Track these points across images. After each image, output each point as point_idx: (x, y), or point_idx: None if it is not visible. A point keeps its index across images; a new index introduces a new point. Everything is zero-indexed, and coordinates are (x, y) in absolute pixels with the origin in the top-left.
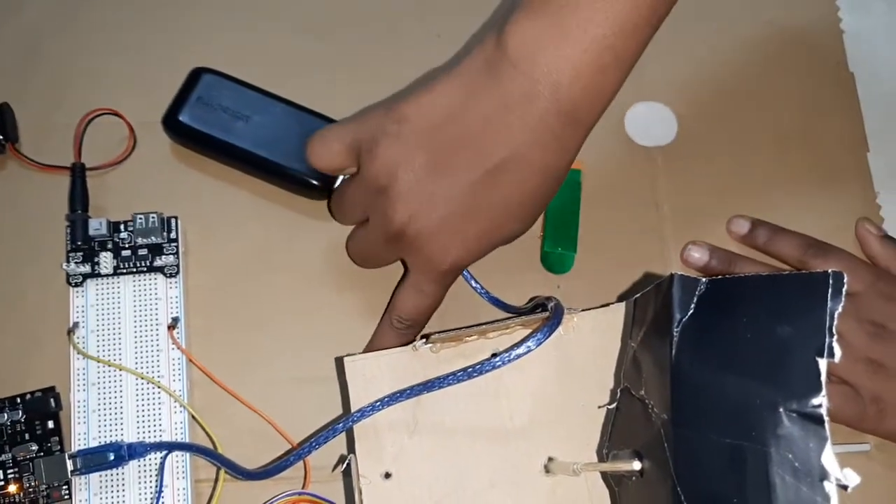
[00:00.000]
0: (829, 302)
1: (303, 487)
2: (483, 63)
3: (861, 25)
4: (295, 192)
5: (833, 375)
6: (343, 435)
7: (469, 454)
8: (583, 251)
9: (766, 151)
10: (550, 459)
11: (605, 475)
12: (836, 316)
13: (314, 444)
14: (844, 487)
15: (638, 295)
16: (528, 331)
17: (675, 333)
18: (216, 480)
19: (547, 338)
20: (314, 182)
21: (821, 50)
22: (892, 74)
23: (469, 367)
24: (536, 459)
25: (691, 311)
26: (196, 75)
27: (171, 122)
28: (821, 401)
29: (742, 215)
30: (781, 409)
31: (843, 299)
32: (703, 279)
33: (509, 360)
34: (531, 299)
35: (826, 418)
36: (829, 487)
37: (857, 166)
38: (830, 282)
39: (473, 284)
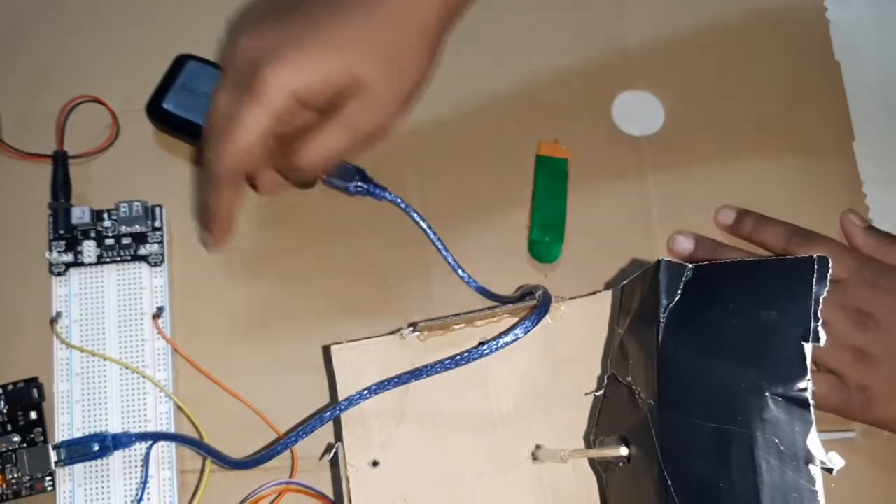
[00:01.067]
0: (814, 287)
1: (290, 477)
2: None
3: (847, 15)
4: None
5: (819, 364)
6: (330, 423)
7: (456, 442)
8: (570, 240)
9: (753, 140)
10: (538, 447)
11: (592, 461)
12: (821, 301)
13: (301, 433)
14: (829, 471)
15: (625, 282)
16: (516, 319)
17: (661, 319)
18: (202, 471)
19: (535, 326)
20: None
21: (807, 39)
22: (878, 63)
23: (456, 355)
24: (524, 447)
25: (678, 297)
26: (180, 62)
27: (155, 110)
28: (806, 385)
29: (728, 205)
30: (767, 394)
31: (828, 284)
32: (690, 265)
33: (497, 349)
34: (518, 288)
35: (811, 402)
36: (815, 471)
37: (843, 155)
38: (815, 267)
39: (461, 274)
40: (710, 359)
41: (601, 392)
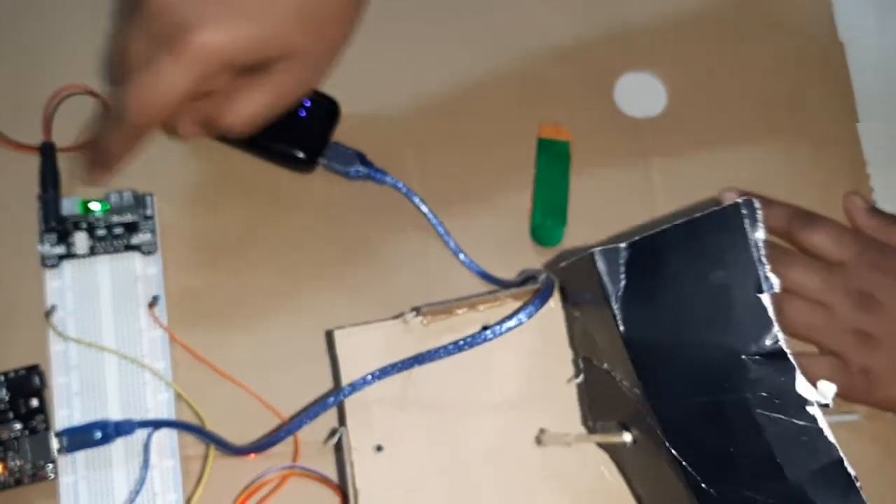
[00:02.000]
0: (748, 233)
1: (293, 461)
2: None
3: None
4: (279, 165)
5: (821, 346)
6: (334, 410)
7: (460, 426)
8: (572, 223)
9: (756, 121)
10: (542, 431)
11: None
12: (761, 245)
13: (305, 418)
14: (826, 406)
15: (562, 266)
16: (519, 303)
17: (615, 309)
18: (206, 458)
19: (538, 310)
20: (299, 155)
21: (811, 19)
22: (883, 44)
23: (460, 340)
24: (528, 432)
25: (623, 282)
26: None
27: None
28: (775, 336)
29: (731, 187)
30: (743, 357)
31: (761, 226)
32: (623, 244)
33: (500, 333)
34: (521, 272)
35: (788, 350)
36: (813, 410)
37: (847, 136)
38: (744, 212)
39: (462, 258)
40: (678, 334)
41: (581, 378)
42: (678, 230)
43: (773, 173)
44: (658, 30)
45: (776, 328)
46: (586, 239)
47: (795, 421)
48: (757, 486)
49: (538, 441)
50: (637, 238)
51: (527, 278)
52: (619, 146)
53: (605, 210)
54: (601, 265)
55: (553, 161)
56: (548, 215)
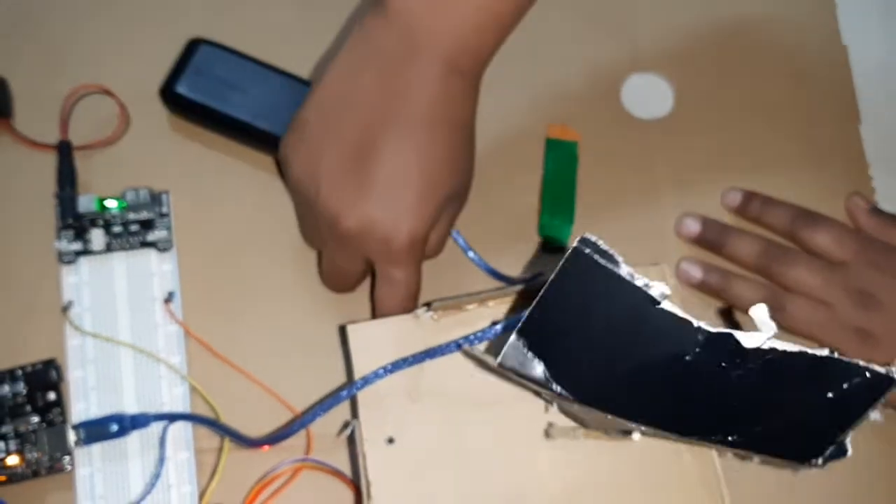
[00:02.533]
0: (610, 268)
1: (306, 454)
2: (365, 37)
3: None
4: None
5: (821, 344)
6: (347, 403)
7: (471, 419)
8: (580, 222)
9: (761, 123)
10: (551, 425)
11: None
12: (628, 272)
13: (319, 410)
14: (774, 334)
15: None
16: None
17: (556, 389)
18: (220, 450)
19: None
20: None
21: (815, 22)
22: (886, 46)
23: (470, 334)
24: (537, 424)
25: (543, 365)
26: (193, 46)
27: (169, 93)
28: (699, 326)
29: (735, 187)
30: (688, 357)
31: (615, 255)
32: (512, 338)
33: (509, 327)
34: (531, 271)
35: (715, 330)
36: (767, 344)
37: (849, 138)
38: (587, 251)
39: (471, 255)
40: (623, 373)
41: (555, 406)
42: (550, 293)
43: (777, 173)
44: (665, 32)
45: (695, 323)
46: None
47: (761, 360)
48: (768, 416)
49: (547, 434)
50: (520, 323)
51: (534, 275)
52: (625, 146)
53: (611, 209)
54: (515, 366)
55: (561, 160)
56: (555, 214)
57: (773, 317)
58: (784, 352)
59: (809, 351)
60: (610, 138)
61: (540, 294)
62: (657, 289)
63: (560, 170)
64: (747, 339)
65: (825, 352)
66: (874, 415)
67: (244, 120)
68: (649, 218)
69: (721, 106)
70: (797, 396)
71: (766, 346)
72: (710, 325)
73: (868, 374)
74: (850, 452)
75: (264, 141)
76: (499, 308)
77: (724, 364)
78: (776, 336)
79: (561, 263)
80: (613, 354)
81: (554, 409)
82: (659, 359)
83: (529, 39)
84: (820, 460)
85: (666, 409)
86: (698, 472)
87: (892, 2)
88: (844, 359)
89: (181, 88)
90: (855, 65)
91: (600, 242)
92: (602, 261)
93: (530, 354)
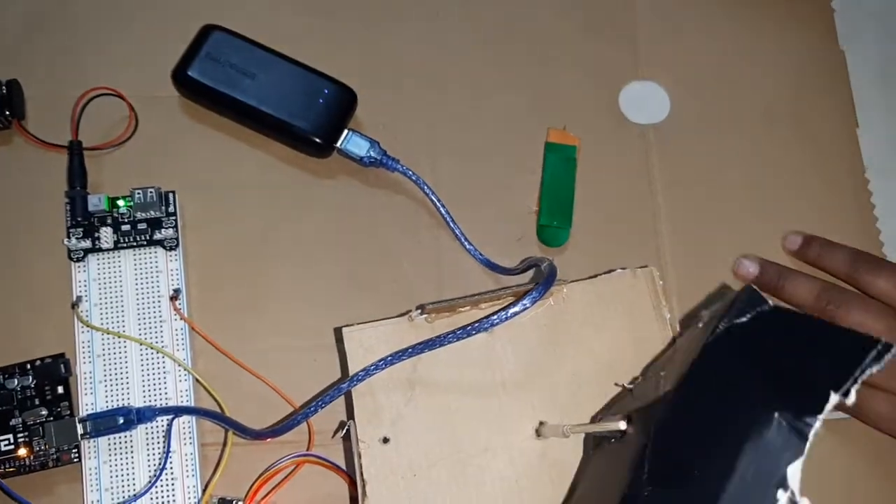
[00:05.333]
0: (864, 363)
1: (307, 449)
2: None
3: (851, 2)
4: (298, 150)
5: (880, 386)
6: (343, 405)
7: (463, 419)
8: (577, 225)
9: (757, 129)
10: (541, 423)
11: (587, 442)
12: (865, 372)
13: (320, 403)
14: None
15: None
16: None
17: (720, 327)
18: (224, 444)
19: (542, 296)
20: (317, 139)
21: (812, 27)
22: (882, 51)
23: (468, 325)
24: (528, 424)
25: (744, 319)
26: (205, 32)
27: (181, 77)
28: (815, 421)
29: (797, 231)
30: (776, 414)
31: (882, 365)
32: (770, 303)
33: (506, 318)
34: (524, 260)
35: (811, 438)
36: (781, 495)
37: (846, 143)
38: (862, 346)
39: (468, 246)
40: (744, 367)
41: (631, 386)
42: (806, 324)
43: (774, 179)
44: (662, 40)
45: (820, 417)
46: (591, 240)
47: (760, 493)
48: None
49: (538, 433)
50: (782, 310)
51: (530, 266)
52: (623, 151)
53: (609, 212)
54: (745, 298)
55: (560, 164)
56: (554, 216)
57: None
58: None
59: None
60: (608, 143)
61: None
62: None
63: (559, 173)
64: None
65: None
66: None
67: (253, 105)
68: (645, 221)
69: (717, 112)
70: None
71: None
72: None
73: None
74: None
75: (273, 127)
76: (492, 310)
77: None
78: None
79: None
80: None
81: (545, 404)
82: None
83: (532, 46)
84: None
85: None
86: None
87: (889, 7)
88: None
89: (193, 72)
90: (852, 70)
91: None
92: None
93: (753, 309)
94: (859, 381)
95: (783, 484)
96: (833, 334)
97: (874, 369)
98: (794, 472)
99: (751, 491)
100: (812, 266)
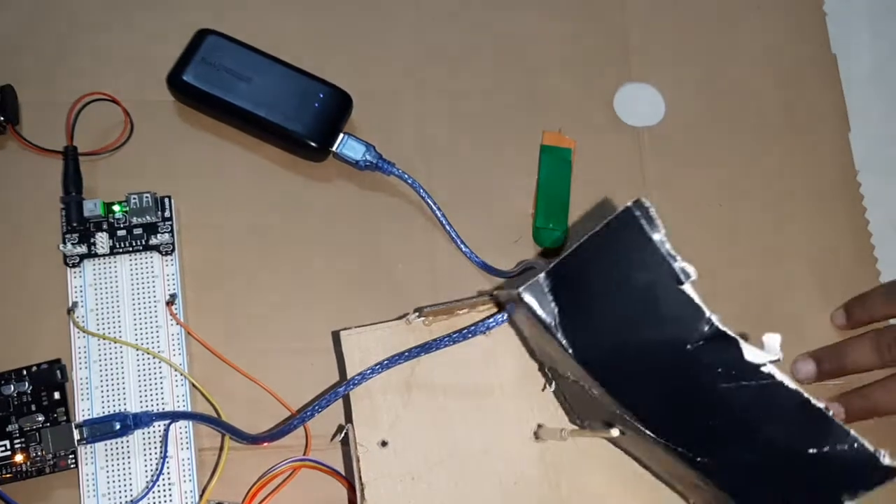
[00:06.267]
0: (648, 233)
1: (304, 454)
2: None
3: (843, 7)
4: (294, 154)
5: None
6: (341, 407)
7: (461, 422)
8: (573, 227)
9: (750, 131)
10: (539, 426)
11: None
12: (664, 241)
13: (316, 407)
14: (778, 360)
15: (499, 298)
16: None
17: (559, 338)
18: (221, 449)
19: None
20: (313, 143)
21: (804, 31)
22: (874, 55)
23: (465, 327)
24: (526, 426)
25: (556, 309)
26: (200, 36)
27: (176, 81)
28: (709, 319)
29: (841, 308)
30: (689, 346)
31: (659, 224)
32: (541, 275)
33: (503, 321)
34: (519, 262)
35: (726, 329)
36: (769, 369)
37: (838, 145)
38: (637, 213)
39: (464, 249)
40: (625, 342)
41: (553, 386)
42: (588, 245)
43: (767, 180)
44: (657, 42)
45: (707, 313)
46: None
47: (755, 383)
48: (746, 447)
49: (536, 436)
50: (553, 264)
51: (525, 269)
52: (618, 153)
53: (604, 214)
54: (532, 302)
55: (555, 166)
56: (550, 218)
57: None
58: (781, 383)
59: (805, 394)
60: (603, 145)
61: (579, 242)
62: (684, 267)
63: (554, 176)
64: (750, 353)
65: (821, 405)
66: None
67: (249, 109)
68: None
69: (711, 114)
70: (780, 436)
71: (765, 370)
72: (722, 321)
73: (855, 446)
74: None
75: (268, 130)
76: (489, 313)
77: (720, 370)
78: (779, 363)
79: (609, 218)
80: (624, 322)
81: (543, 407)
82: (663, 339)
83: (527, 49)
84: None
85: (655, 401)
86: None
87: (880, 11)
88: (835, 420)
89: (188, 77)
90: (844, 73)
91: (652, 209)
92: (646, 225)
93: (550, 297)
94: (673, 254)
95: (756, 366)
96: (608, 241)
97: (656, 235)
98: (750, 352)
99: (752, 391)
100: (865, 326)
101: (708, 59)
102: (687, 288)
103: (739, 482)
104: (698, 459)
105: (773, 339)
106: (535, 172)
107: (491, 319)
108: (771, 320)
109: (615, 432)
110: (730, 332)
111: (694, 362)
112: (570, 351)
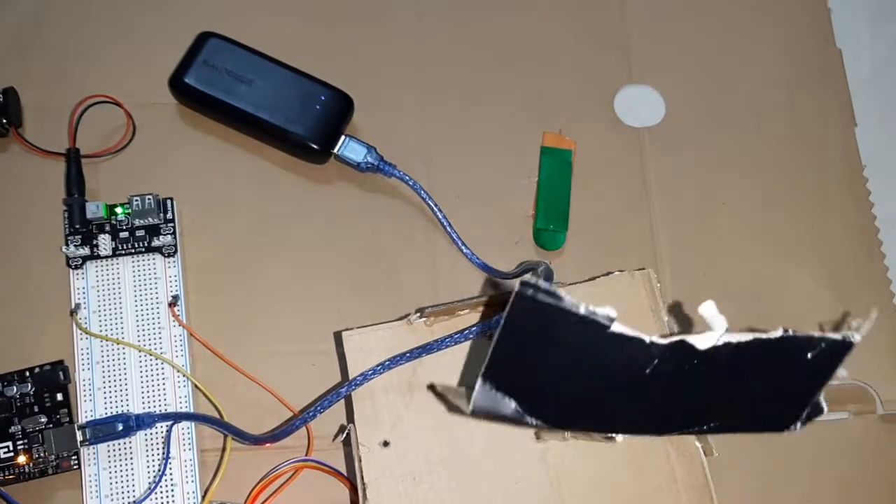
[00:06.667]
0: (556, 304)
1: (306, 454)
2: None
3: (847, 2)
4: (295, 156)
5: None
6: (343, 408)
7: (463, 423)
8: (574, 228)
9: (753, 130)
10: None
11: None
12: (575, 304)
13: (318, 408)
14: (726, 329)
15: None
16: None
17: (529, 421)
18: (223, 450)
19: None
20: (314, 146)
21: (808, 28)
22: (879, 51)
23: (466, 328)
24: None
25: (513, 403)
26: (202, 39)
27: (178, 84)
28: (650, 341)
29: None
30: (647, 371)
31: (560, 292)
32: (478, 381)
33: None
34: (520, 264)
35: (662, 341)
36: (724, 339)
37: (844, 142)
38: (529, 293)
39: (465, 250)
40: (596, 392)
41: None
42: (504, 337)
43: (771, 178)
44: (657, 43)
45: (647, 338)
46: (588, 243)
47: (724, 356)
48: (743, 403)
49: (537, 436)
50: (482, 370)
51: (526, 269)
52: (618, 154)
53: (605, 215)
54: (487, 408)
55: (556, 168)
56: (550, 220)
57: None
58: (740, 343)
59: (763, 336)
60: (603, 147)
61: (495, 338)
62: (603, 313)
63: (555, 177)
64: (701, 342)
65: (779, 332)
66: (841, 372)
67: (250, 112)
68: (641, 224)
69: (712, 114)
70: (764, 377)
71: (721, 343)
72: (662, 337)
73: (825, 344)
74: (825, 409)
75: (270, 133)
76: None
77: (686, 367)
78: (728, 330)
79: (507, 308)
80: (578, 379)
81: None
82: (622, 377)
83: (527, 51)
84: (798, 424)
85: (640, 416)
86: (686, 474)
87: (885, 5)
88: (800, 334)
89: (190, 79)
90: (849, 69)
91: (541, 283)
92: (546, 299)
93: (499, 395)
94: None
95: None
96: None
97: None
98: (706, 310)
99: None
100: None
101: (709, 58)
102: (616, 327)
103: (745, 422)
104: (705, 427)
105: (709, 308)
106: (536, 173)
107: (493, 320)
108: (776, 320)
109: (620, 438)
110: (674, 339)
111: (660, 378)
112: (547, 425)
